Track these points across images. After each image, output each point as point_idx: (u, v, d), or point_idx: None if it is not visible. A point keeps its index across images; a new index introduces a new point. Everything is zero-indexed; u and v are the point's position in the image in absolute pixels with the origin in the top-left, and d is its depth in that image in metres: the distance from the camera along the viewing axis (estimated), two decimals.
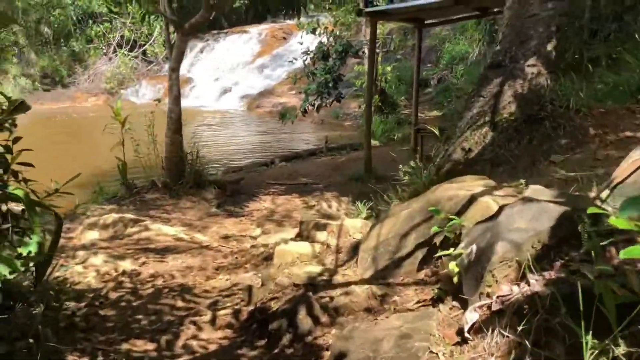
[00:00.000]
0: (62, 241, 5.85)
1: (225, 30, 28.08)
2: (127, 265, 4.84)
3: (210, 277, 4.32)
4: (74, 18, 24.99)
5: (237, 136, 15.50)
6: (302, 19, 14.70)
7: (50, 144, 15.04)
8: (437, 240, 3.11)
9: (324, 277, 3.35)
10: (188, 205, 6.89)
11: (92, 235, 5.80)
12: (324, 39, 12.81)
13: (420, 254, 3.17)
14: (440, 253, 2.86)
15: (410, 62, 20.42)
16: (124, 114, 7.40)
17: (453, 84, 18.11)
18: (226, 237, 5.73)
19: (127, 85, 24.74)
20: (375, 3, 15.76)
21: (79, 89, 24.26)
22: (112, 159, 7.36)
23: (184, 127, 7.62)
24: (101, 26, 25.21)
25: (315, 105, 12.66)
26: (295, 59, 13.55)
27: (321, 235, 4.27)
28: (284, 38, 26.64)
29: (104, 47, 25.49)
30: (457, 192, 3.32)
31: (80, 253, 5.10)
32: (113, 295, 3.98)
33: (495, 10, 10.25)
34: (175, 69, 7.05)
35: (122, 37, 25.22)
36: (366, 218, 4.98)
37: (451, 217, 3.02)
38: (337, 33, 13.04)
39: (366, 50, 15.56)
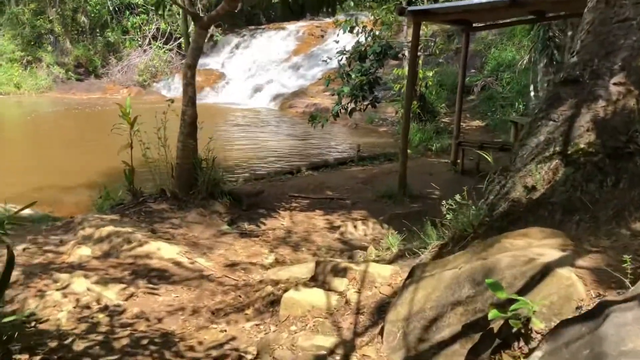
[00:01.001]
0: (50, 256, 5.18)
1: (262, 26, 27.48)
2: (111, 296, 4.12)
3: (202, 327, 3.54)
4: (111, 8, 24.71)
5: (265, 138, 14.77)
6: (340, 17, 13.88)
7: (68, 138, 14.63)
8: (495, 325, 2.25)
9: (338, 357, 2.53)
10: (197, 220, 6.15)
11: (84, 251, 5.10)
12: (362, 39, 11.94)
13: (468, 341, 2.31)
14: None
15: (453, 67, 19.40)
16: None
17: (498, 92, 17.00)
18: (233, 265, 4.95)
19: (160, 79, 24.35)
20: (417, 3, 14.82)
21: (111, 80, 23.97)
22: (127, 157, 6.63)
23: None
24: (137, 17, 24.86)
25: (349, 109, 11.79)
26: (330, 59, 12.74)
27: (340, 283, 3.44)
28: (322, 36, 25.86)
29: (139, 39, 25.15)
30: (521, 255, 2.45)
31: (64, 276, 4.39)
32: (79, 346, 3.23)
33: (552, 15, 9.25)
34: (190, 66, 6.31)
35: (157, 29, 24.81)
36: (395, 258, 4.12)
37: (516, 297, 2.16)
38: (377, 33, 12.13)
39: (407, 53, 14.65)
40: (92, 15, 24.47)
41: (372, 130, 16.59)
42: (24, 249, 5.21)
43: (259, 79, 23.27)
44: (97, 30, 24.95)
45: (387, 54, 11.29)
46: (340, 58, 11.96)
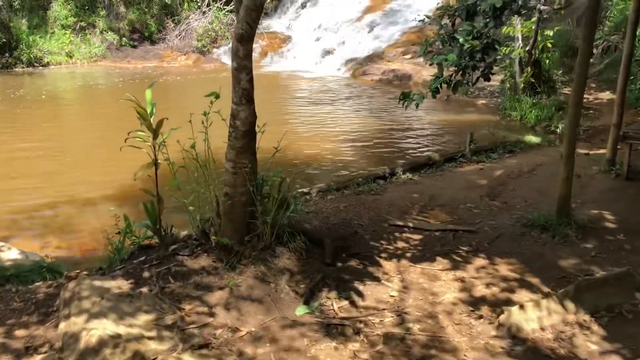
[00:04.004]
0: None
1: None
2: None
3: None
4: None
5: (340, 119, 12.17)
6: None
7: (110, 123, 12.44)
8: None
9: None
10: (255, 292, 3.76)
11: None
12: None
13: None
14: None
15: (563, 25, 15.92)
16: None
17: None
18: None
19: (220, 44, 22.09)
20: None
21: (168, 47, 21.94)
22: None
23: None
24: None
25: (453, 82, 8.98)
26: (428, 17, 9.82)
27: None
28: None
29: (198, 0, 22.90)
30: None
31: None
32: None
33: None
34: (243, 38, 3.81)
35: None
36: None
37: None
38: None
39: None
40: None
41: (468, 104, 13.67)
42: None
43: (327, 41, 20.56)
44: None
45: (511, 8, 8.35)
46: (441, 16, 9.09)
